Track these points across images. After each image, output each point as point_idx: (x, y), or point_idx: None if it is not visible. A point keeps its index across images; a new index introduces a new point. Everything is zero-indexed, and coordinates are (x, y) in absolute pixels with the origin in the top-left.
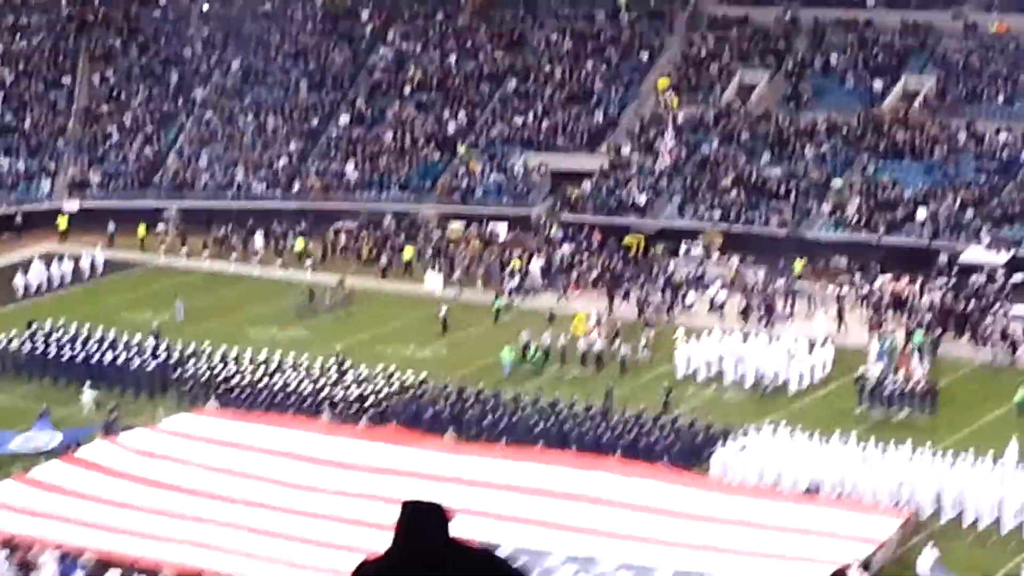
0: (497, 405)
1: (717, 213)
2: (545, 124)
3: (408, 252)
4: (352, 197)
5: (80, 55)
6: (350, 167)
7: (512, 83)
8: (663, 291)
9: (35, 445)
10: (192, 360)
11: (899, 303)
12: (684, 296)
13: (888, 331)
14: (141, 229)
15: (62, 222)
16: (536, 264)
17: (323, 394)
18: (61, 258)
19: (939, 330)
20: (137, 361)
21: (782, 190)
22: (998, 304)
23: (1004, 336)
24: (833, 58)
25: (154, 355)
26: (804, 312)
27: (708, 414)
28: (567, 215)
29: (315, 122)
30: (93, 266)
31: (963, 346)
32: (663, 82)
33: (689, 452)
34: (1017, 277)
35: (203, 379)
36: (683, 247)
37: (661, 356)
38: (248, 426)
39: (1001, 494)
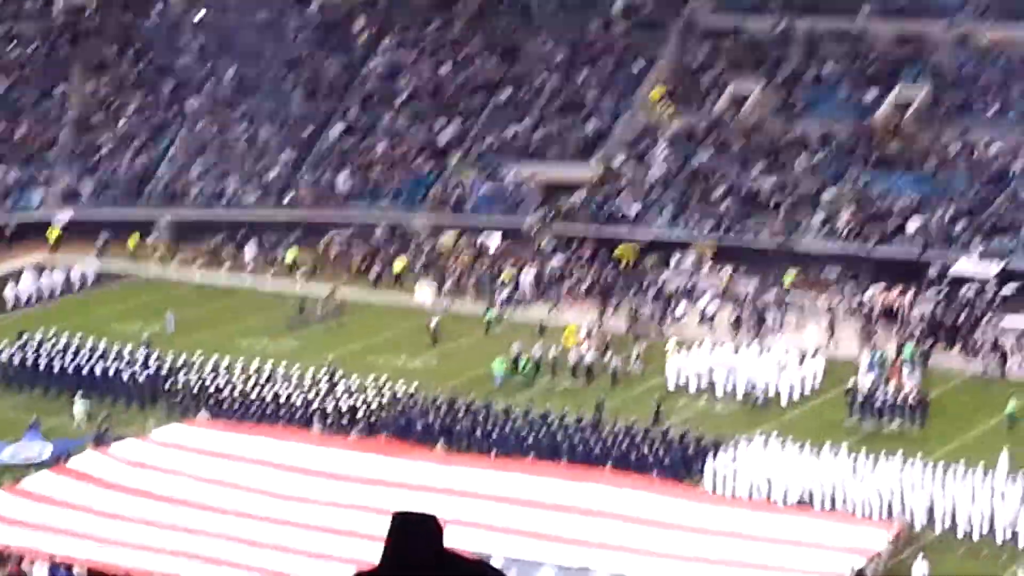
0: (488, 416)
1: (709, 224)
2: (538, 134)
3: (400, 263)
4: (344, 208)
5: (73, 64)
6: (342, 177)
7: (505, 93)
8: (654, 302)
9: (25, 456)
10: (183, 371)
11: (890, 315)
12: (675, 307)
13: (879, 343)
14: (132, 240)
15: (53, 232)
16: (527, 275)
17: (314, 405)
18: (52, 268)
19: (930, 342)
20: (128, 372)
21: (774, 201)
22: (989, 315)
23: (995, 347)
24: (826, 69)
25: (145, 366)
26: (795, 323)
27: (699, 426)
28: (559, 226)
29: (308, 132)
30: (84, 277)
31: (954, 357)
32: (656, 93)
33: (680, 464)
34: (1008, 289)
35: (194, 390)
36: (674, 258)
37: (652, 368)
38: (239, 437)
39: (993, 505)
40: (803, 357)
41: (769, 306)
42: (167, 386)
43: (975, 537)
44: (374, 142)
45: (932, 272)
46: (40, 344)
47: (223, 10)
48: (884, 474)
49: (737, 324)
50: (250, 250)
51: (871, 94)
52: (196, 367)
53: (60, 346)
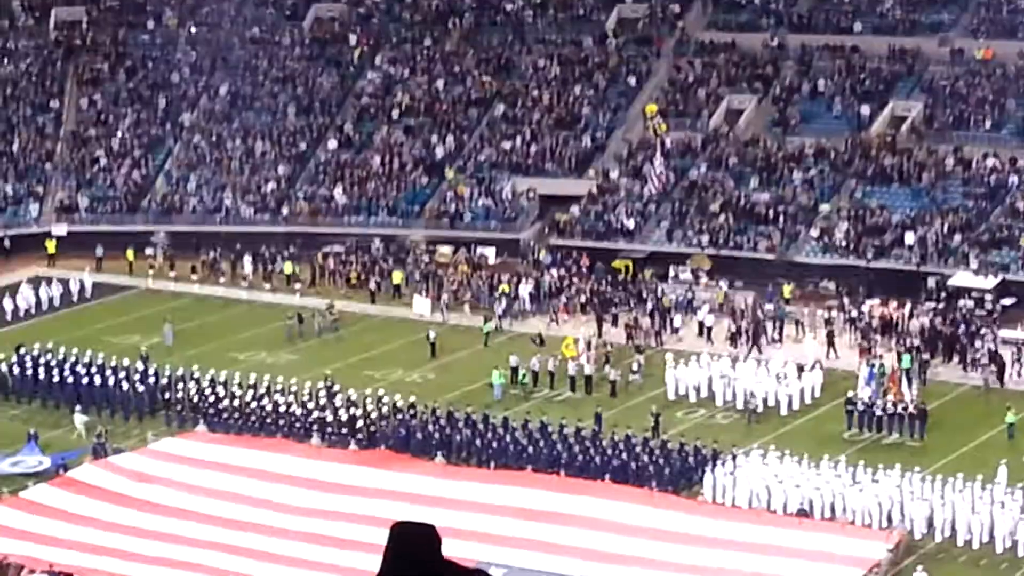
0: (487, 428)
1: (705, 238)
2: (533, 149)
3: (397, 276)
4: (340, 221)
5: (68, 79)
6: (338, 191)
7: (500, 108)
8: (652, 315)
9: (23, 468)
10: (181, 384)
11: (888, 327)
12: (672, 320)
13: (877, 355)
14: (130, 253)
15: (50, 245)
16: (525, 288)
17: (312, 417)
18: (49, 281)
19: (927, 354)
20: (126, 385)
21: (770, 215)
22: (986, 328)
23: (992, 359)
24: (821, 83)
25: (143, 378)
26: (793, 336)
27: (698, 437)
28: (555, 239)
29: (303, 146)
30: (82, 290)
31: (952, 370)
32: (651, 108)
33: (679, 475)
34: (1006, 301)
35: (192, 402)
36: (671, 271)
37: (651, 379)
38: (237, 449)
39: (993, 515)
40: (801, 370)
41: (766, 319)
42: (165, 398)
43: (975, 546)
44: (369, 156)
45: (930, 285)
46: (38, 357)
47: (217, 25)
48: (884, 485)
49: (734, 337)
50: (247, 263)
51: (866, 109)
52: (194, 380)
53: (58, 359)
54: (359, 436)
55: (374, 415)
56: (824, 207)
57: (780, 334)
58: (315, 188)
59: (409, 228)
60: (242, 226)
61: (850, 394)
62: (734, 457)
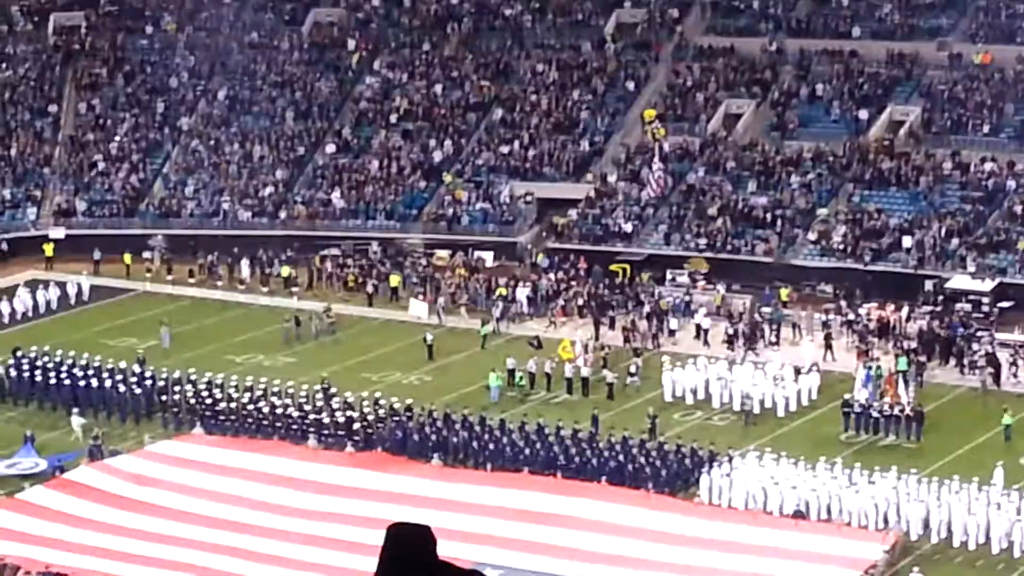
0: (484, 430)
1: (703, 241)
2: (531, 153)
3: (395, 279)
4: (338, 225)
5: (66, 84)
6: (336, 195)
7: (498, 112)
8: (649, 318)
9: (20, 470)
10: (178, 386)
11: (885, 330)
12: (669, 323)
13: (874, 358)
14: (127, 256)
15: (48, 249)
16: (522, 292)
17: (309, 419)
18: (47, 285)
19: (924, 356)
20: (123, 387)
21: (768, 218)
22: (983, 331)
23: (989, 362)
24: (819, 88)
25: (140, 381)
26: (790, 339)
27: (695, 439)
28: (553, 243)
29: (301, 151)
30: (79, 293)
31: (948, 372)
32: (649, 113)
33: (675, 477)
34: (1003, 304)
35: (189, 405)
36: (669, 275)
37: (647, 382)
38: (234, 452)
39: (989, 516)
40: (798, 372)
41: (764, 321)
42: (162, 401)
43: (971, 547)
44: (367, 160)
45: (927, 288)
46: (35, 359)
47: (215, 30)
48: (880, 486)
49: (731, 340)
50: (245, 267)
51: (864, 113)
52: (191, 382)
53: (55, 362)
54: (356, 438)
55: (371, 417)
56: (822, 211)
57: (777, 337)
58: (313, 192)
59: (407, 232)
60: (240, 230)
61: (847, 396)
62: (731, 459)
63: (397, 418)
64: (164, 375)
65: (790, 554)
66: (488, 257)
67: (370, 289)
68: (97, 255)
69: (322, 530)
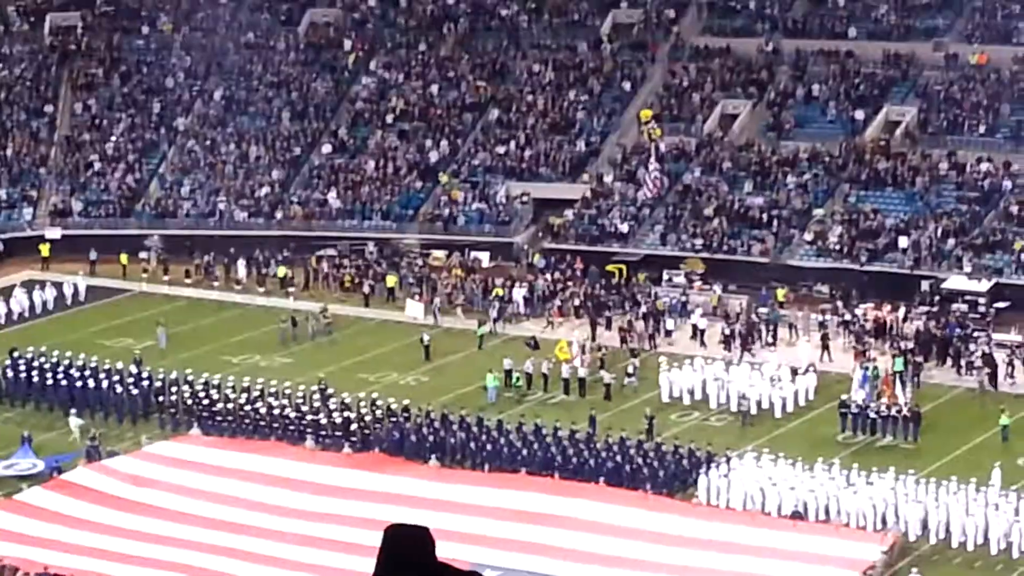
0: (481, 431)
1: (699, 242)
2: (527, 153)
3: (391, 280)
4: (334, 225)
5: (62, 84)
6: (332, 196)
7: (494, 113)
8: (645, 319)
9: (17, 471)
10: (175, 387)
11: (881, 330)
12: (665, 324)
13: (871, 358)
14: (123, 257)
15: (44, 249)
16: (519, 292)
17: (306, 420)
18: (43, 285)
19: (921, 357)
20: (119, 388)
21: (764, 219)
22: (980, 332)
23: (986, 362)
24: (815, 88)
25: (137, 382)
26: (787, 339)
27: (692, 440)
28: (549, 243)
29: (297, 151)
30: (75, 293)
31: (945, 372)
32: (646, 113)
33: (673, 477)
34: (999, 305)
35: (186, 405)
36: (665, 275)
37: (644, 383)
38: (231, 452)
39: (987, 517)
40: (795, 373)
41: (760, 322)
42: (159, 401)
43: (970, 548)
44: (363, 161)
45: (923, 288)
46: (32, 360)
47: (211, 30)
48: (878, 487)
49: (728, 340)
50: (241, 267)
51: (860, 113)
52: (188, 383)
53: (52, 362)
54: (353, 439)
55: (368, 418)
56: (818, 211)
57: (774, 337)
58: (309, 192)
59: (403, 232)
60: (236, 230)
61: (844, 397)
62: (728, 460)
63: (394, 419)
64: (161, 376)
65: (788, 555)
66: (484, 257)
67: (366, 290)
68: (93, 255)
69: (319, 531)
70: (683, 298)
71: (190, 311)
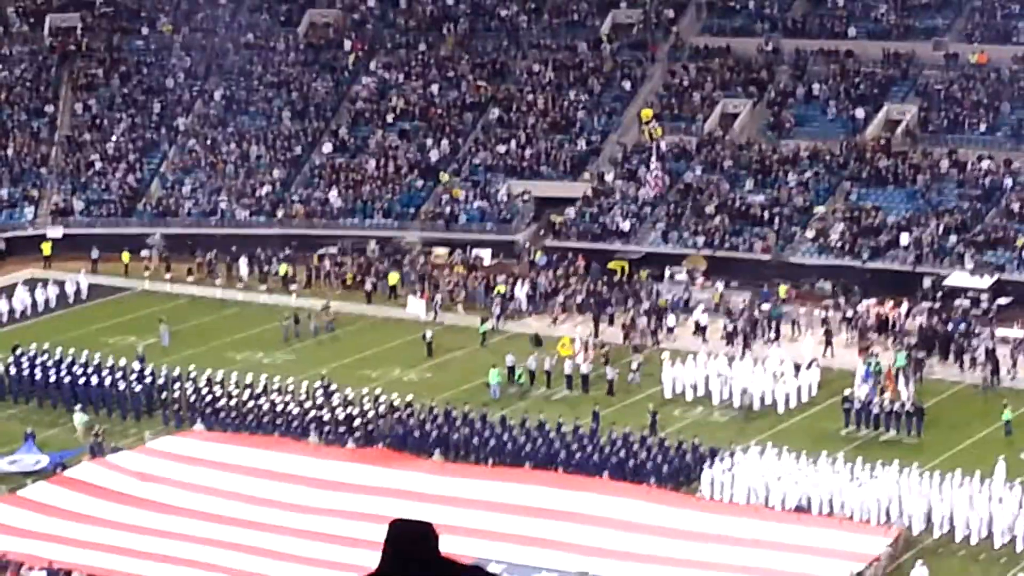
0: (484, 426)
1: (701, 239)
2: (528, 152)
3: (393, 278)
4: (336, 224)
5: (63, 84)
6: (333, 194)
7: (495, 112)
8: (648, 316)
9: (21, 467)
10: (178, 383)
11: (884, 326)
12: (667, 320)
13: (874, 353)
14: (125, 255)
15: (46, 248)
16: (521, 290)
17: (310, 415)
18: (45, 283)
19: (924, 353)
20: (122, 384)
21: (765, 216)
22: (983, 327)
23: (989, 358)
24: (815, 87)
25: (140, 378)
26: (790, 335)
27: (695, 435)
28: (551, 241)
29: (298, 150)
30: (78, 291)
31: (948, 368)
32: (646, 112)
33: (677, 472)
34: (1001, 301)
35: (190, 401)
36: (667, 272)
37: (647, 379)
38: (235, 448)
39: (991, 511)
40: (798, 368)
41: (763, 318)
42: (162, 398)
43: (973, 541)
44: (364, 160)
45: (925, 285)
46: (34, 357)
47: (212, 31)
48: (882, 481)
49: (730, 337)
50: (243, 265)
51: (860, 112)
52: (191, 379)
53: (54, 359)
54: (356, 434)
55: (371, 413)
56: (819, 209)
57: (777, 333)
58: (310, 191)
59: (404, 230)
60: (237, 228)
61: (847, 392)
62: (732, 454)
63: (398, 414)
64: (164, 372)
65: (793, 548)
66: (486, 255)
67: (368, 287)
68: (95, 254)
69: (324, 526)
70: (685, 295)
71: (192, 309)
